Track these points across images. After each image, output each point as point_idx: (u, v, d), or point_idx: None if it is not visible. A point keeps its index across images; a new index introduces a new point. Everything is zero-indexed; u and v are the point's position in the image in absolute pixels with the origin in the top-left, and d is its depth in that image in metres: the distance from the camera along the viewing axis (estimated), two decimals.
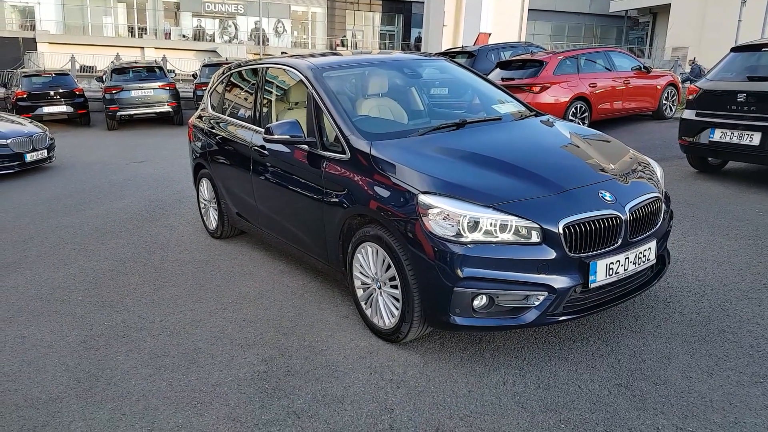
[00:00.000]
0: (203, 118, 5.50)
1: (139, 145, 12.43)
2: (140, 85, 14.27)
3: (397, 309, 3.24)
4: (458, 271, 2.88)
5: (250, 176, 4.55)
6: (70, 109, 14.91)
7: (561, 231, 2.88)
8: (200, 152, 5.45)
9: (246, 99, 4.91)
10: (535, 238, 2.91)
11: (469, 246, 2.89)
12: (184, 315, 3.95)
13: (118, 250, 5.36)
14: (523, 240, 2.90)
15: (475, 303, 2.94)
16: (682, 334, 3.35)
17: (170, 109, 14.60)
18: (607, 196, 3.07)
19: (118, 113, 14.08)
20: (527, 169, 3.21)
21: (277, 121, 4.40)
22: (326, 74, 4.06)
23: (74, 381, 3.20)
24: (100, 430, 2.77)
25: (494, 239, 2.90)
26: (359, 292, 3.58)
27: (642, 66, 11.39)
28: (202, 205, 5.71)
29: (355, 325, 3.65)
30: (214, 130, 5.15)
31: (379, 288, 3.38)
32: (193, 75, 18.32)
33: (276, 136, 3.82)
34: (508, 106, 4.28)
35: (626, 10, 45.42)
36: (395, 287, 3.22)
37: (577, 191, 3.07)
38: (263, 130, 4.31)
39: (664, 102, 11.93)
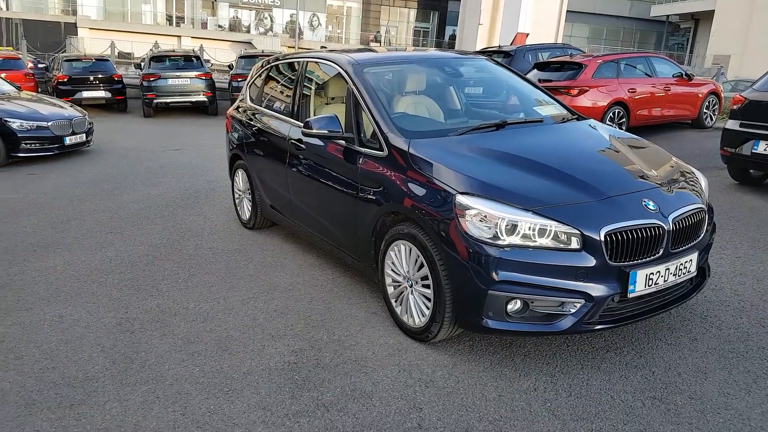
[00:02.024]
0: (241, 110, 5.55)
1: (175, 133, 12.61)
2: (177, 73, 14.46)
3: (428, 308, 3.24)
4: (493, 274, 2.86)
5: (285, 169, 4.58)
6: (108, 95, 15.19)
7: (602, 238, 2.84)
8: (237, 143, 5.50)
9: (284, 92, 4.95)
10: (574, 244, 2.87)
11: (505, 249, 2.87)
12: (217, 302, 4.00)
13: (154, 236, 5.44)
14: (562, 246, 2.87)
15: (509, 307, 2.92)
16: (719, 349, 3.28)
17: (205, 99, 14.77)
18: (651, 205, 3.02)
19: (155, 101, 14.29)
20: (568, 173, 3.17)
21: (314, 115, 4.43)
22: (367, 70, 4.06)
23: (109, 362, 3.27)
24: (134, 412, 2.82)
25: (532, 243, 2.87)
26: (390, 290, 3.58)
27: (684, 73, 11.17)
28: (236, 196, 5.77)
29: (383, 322, 3.66)
30: (251, 122, 5.20)
31: (411, 286, 3.38)
32: (229, 66, 18.53)
33: (314, 131, 3.84)
34: (550, 108, 4.24)
35: (667, 15, 44.56)
36: (427, 287, 3.22)
37: (620, 198, 3.03)
38: (301, 123, 4.35)
39: (705, 111, 11.68)
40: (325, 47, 29.60)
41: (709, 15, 38.15)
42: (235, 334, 3.56)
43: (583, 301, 2.89)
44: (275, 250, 5.03)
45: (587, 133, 3.90)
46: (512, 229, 2.88)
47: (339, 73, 4.21)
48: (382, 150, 3.56)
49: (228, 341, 3.48)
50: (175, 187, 7.48)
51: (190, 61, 15.15)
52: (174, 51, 15.73)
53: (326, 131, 3.82)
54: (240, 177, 5.58)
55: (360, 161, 3.69)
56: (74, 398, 2.95)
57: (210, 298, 4.09)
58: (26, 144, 9.03)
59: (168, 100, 14.39)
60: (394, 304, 3.55)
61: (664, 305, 3.17)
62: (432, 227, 3.10)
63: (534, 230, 2.87)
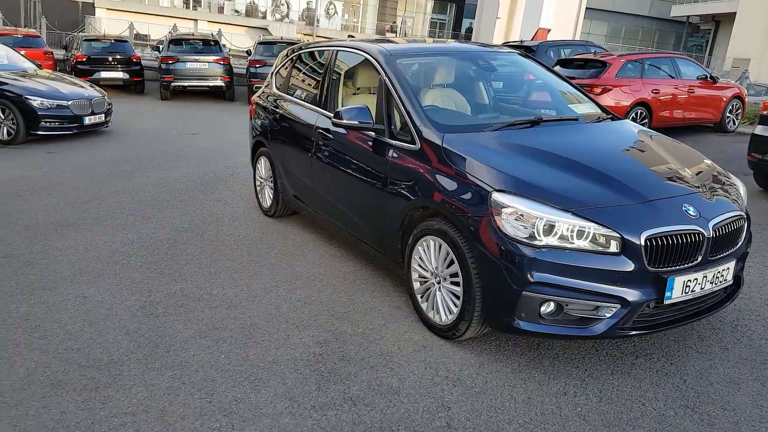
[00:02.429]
0: (266, 97, 5.51)
1: (192, 117, 12.59)
2: (196, 57, 14.43)
3: (456, 306, 3.20)
4: (528, 274, 2.82)
5: (310, 158, 4.54)
6: (126, 76, 15.18)
7: (643, 243, 2.79)
8: (261, 130, 5.46)
9: (312, 81, 4.90)
10: (613, 247, 2.82)
11: (542, 250, 2.82)
12: (240, 290, 3.98)
13: (175, 220, 5.42)
14: (600, 249, 2.82)
15: (543, 309, 2.87)
16: (751, 359, 3.22)
17: (223, 84, 14.74)
18: (691, 211, 2.96)
19: (173, 84, 14.27)
20: (607, 174, 3.12)
21: (342, 104, 4.39)
22: (399, 61, 4.01)
23: (134, 345, 3.25)
24: (160, 398, 2.80)
25: (569, 245, 2.82)
26: (416, 285, 3.54)
27: (709, 75, 11.03)
28: (257, 183, 5.74)
29: (407, 317, 3.62)
30: (276, 110, 5.16)
31: (438, 283, 3.34)
32: (246, 51, 18.47)
33: (344, 121, 3.79)
34: (584, 107, 4.17)
35: (688, 16, 44.04)
36: (456, 284, 3.18)
37: (661, 202, 2.97)
38: (328, 113, 4.32)
39: (728, 115, 11.55)
40: (352, 36, 29.17)
41: (730, 17, 37.68)
42: (259, 323, 3.53)
43: (618, 306, 2.84)
44: (296, 239, 5.00)
45: (624, 134, 3.84)
46: (549, 229, 2.83)
47: (370, 63, 4.16)
48: (413, 143, 3.51)
49: (253, 329, 3.45)
50: (194, 171, 7.46)
51: (208, 45, 15.11)
52: (193, 34, 15.67)
53: (357, 122, 3.78)
54: (262, 164, 5.55)
55: (390, 154, 3.64)
56: (100, 381, 2.93)
57: (233, 284, 4.06)
58: (46, 122, 9.04)
59: (185, 84, 14.37)
60: (419, 299, 3.52)
61: (697, 313, 3.12)
62: (465, 224, 3.05)
63: (572, 232, 2.81)
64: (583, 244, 2.82)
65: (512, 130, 3.60)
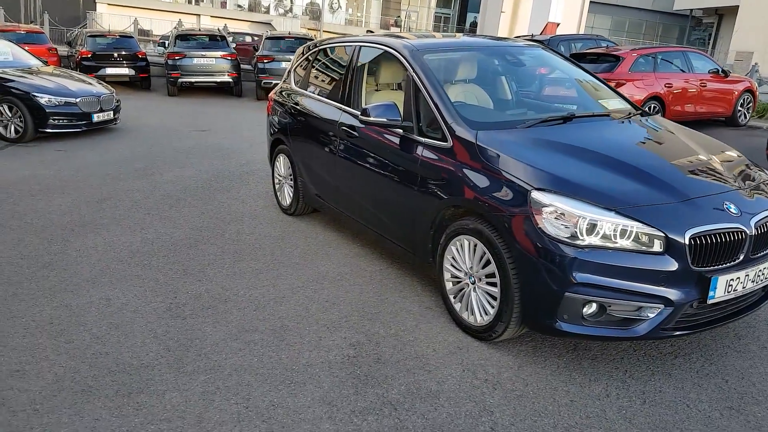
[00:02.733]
0: (285, 94, 5.44)
1: (200, 113, 12.51)
2: (203, 53, 14.34)
3: (492, 307, 3.14)
4: (571, 275, 2.75)
5: (334, 156, 4.47)
6: (132, 72, 15.09)
7: (687, 242, 2.72)
8: (279, 128, 5.40)
9: (334, 77, 4.83)
10: (657, 247, 2.75)
11: (585, 250, 2.76)
12: (266, 290, 3.92)
13: (193, 219, 5.36)
14: (643, 248, 2.76)
15: (585, 310, 2.81)
16: None
17: (231, 80, 14.65)
18: (732, 208, 2.89)
19: (180, 80, 14.19)
20: (647, 171, 3.05)
21: (366, 101, 4.33)
22: (426, 56, 3.93)
23: (164, 349, 3.19)
24: (195, 403, 2.75)
25: (612, 245, 2.76)
26: (448, 285, 3.48)
27: (720, 69, 10.94)
28: (276, 181, 5.67)
29: (439, 318, 3.57)
30: (297, 107, 5.08)
31: (473, 283, 3.27)
32: (253, 47, 18.38)
33: (372, 118, 3.73)
34: (614, 103, 4.10)
35: (691, 10, 43.78)
36: (493, 285, 3.11)
37: (702, 200, 2.90)
38: (353, 109, 4.26)
39: (739, 109, 11.47)
40: (371, 31, 28.87)
41: (733, 10, 37.44)
42: (289, 324, 3.48)
43: (662, 306, 2.78)
44: (318, 238, 4.94)
45: (657, 130, 3.77)
46: (591, 228, 2.77)
47: (395, 58, 4.09)
48: (444, 141, 3.44)
49: (283, 331, 3.40)
50: (208, 169, 7.40)
51: (215, 40, 15.01)
52: (200, 30, 15.57)
53: (385, 119, 3.71)
54: (281, 162, 5.48)
55: (420, 152, 3.57)
56: (132, 386, 2.87)
57: (259, 285, 4.00)
58: (54, 120, 8.96)
59: (193, 80, 14.28)
60: (453, 300, 3.46)
61: (737, 312, 3.06)
62: (502, 223, 2.98)
63: (616, 231, 2.75)
64: (626, 243, 2.76)
65: (545, 127, 3.53)
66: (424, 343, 3.27)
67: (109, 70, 14.73)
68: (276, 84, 14.04)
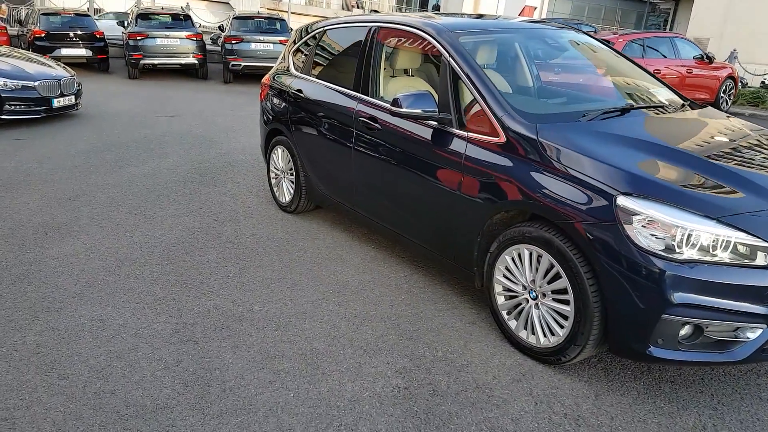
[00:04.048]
0: (283, 79, 4.90)
1: (165, 97, 11.74)
2: (167, 33, 13.46)
3: (562, 327, 2.75)
4: (670, 294, 2.39)
5: (348, 149, 4.00)
6: (89, 53, 14.10)
7: None
8: (278, 117, 4.87)
9: (346, 61, 4.33)
10: (760, 260, 2.41)
11: (684, 265, 2.39)
12: (284, 304, 3.45)
13: (182, 219, 4.81)
14: (745, 261, 2.41)
15: (681, 333, 2.45)
16: None
17: (196, 62, 13.83)
18: None
19: (142, 61, 13.29)
20: (737, 173, 2.70)
21: (385, 88, 3.88)
22: (462, 39, 3.49)
23: (180, 384, 2.70)
24: None
25: (710, 258, 2.40)
26: (500, 300, 3.08)
27: (705, 55, 10.82)
28: (273, 175, 5.15)
29: (488, 335, 3.17)
30: (301, 94, 4.57)
31: (534, 299, 2.88)
32: (219, 27, 17.49)
33: (404, 109, 3.28)
34: (663, 93, 3.75)
35: None
36: (563, 302, 2.73)
37: None
38: (372, 98, 3.81)
39: (722, 95, 11.41)
40: (377, 11, 27.34)
41: None
42: (320, 347, 3.02)
43: (764, 326, 2.44)
44: (327, 239, 4.47)
45: (723, 124, 3.43)
46: (688, 239, 2.40)
47: (422, 41, 3.64)
48: (494, 135, 3.02)
49: (315, 356, 2.94)
50: (186, 159, 6.80)
51: (179, 20, 14.13)
52: (162, 9, 14.63)
53: (419, 110, 3.26)
54: (279, 155, 4.97)
55: (463, 148, 3.15)
56: None
57: (274, 298, 3.53)
58: (10, 105, 8.17)
59: (156, 62, 13.41)
60: (506, 316, 3.06)
61: None
62: (579, 233, 2.59)
63: (715, 242, 2.39)
64: (726, 256, 2.41)
65: (608, 120, 3.15)
66: (481, 369, 2.87)
67: (65, 51, 13.71)
68: (245, 66, 13.52)
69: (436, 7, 39.89)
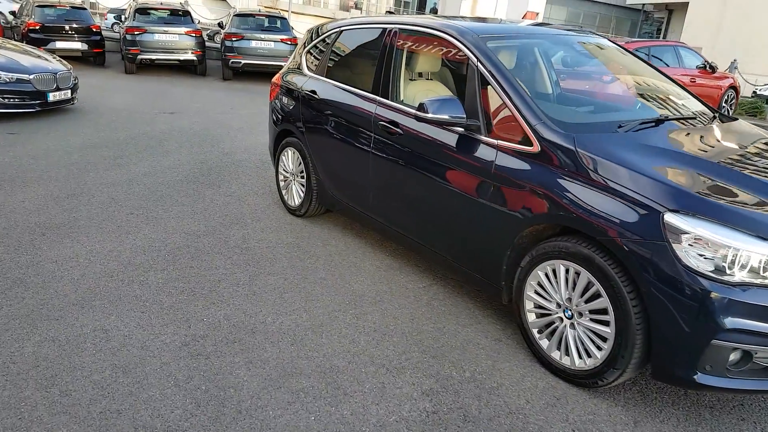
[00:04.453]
0: (296, 79, 4.72)
1: (164, 93, 11.51)
2: (165, 29, 13.21)
3: (600, 349, 2.60)
4: (722, 319, 2.24)
5: (367, 154, 3.84)
6: (85, 47, 13.81)
7: None
8: (289, 117, 4.70)
9: (364, 64, 4.16)
10: None
11: (736, 287, 2.24)
12: (299, 316, 3.27)
13: (186, 222, 4.62)
14: None
15: (730, 359, 2.31)
16: None
17: (194, 58, 13.59)
18: None
19: (139, 56, 13.03)
20: None
21: (405, 92, 3.73)
22: (489, 43, 3.33)
23: (193, 404, 2.52)
24: None
25: (758, 280, 2.26)
26: (530, 317, 2.92)
27: (707, 65, 10.75)
28: (281, 177, 4.97)
29: (516, 354, 3.01)
30: (315, 95, 4.39)
31: (570, 318, 2.73)
32: (218, 24, 17.26)
33: (430, 115, 3.12)
34: (692, 103, 3.61)
35: (642, 4, 44.54)
36: (602, 323, 2.58)
37: None
38: (392, 102, 3.65)
39: (723, 105, 11.34)
40: (391, 12, 26.71)
41: (683, 6, 38.12)
42: (340, 364, 2.85)
43: None
44: (339, 245, 4.30)
45: (759, 137, 3.29)
46: (737, 260, 2.25)
47: (447, 44, 3.49)
48: (528, 144, 2.87)
49: (335, 374, 2.77)
50: (188, 158, 6.60)
51: (178, 16, 13.89)
52: (162, 3, 14.36)
53: (446, 116, 3.11)
54: (289, 157, 4.79)
55: (493, 156, 2.99)
56: None
57: (287, 309, 3.35)
58: (4, 98, 7.93)
59: (154, 57, 13.16)
60: (537, 335, 2.90)
61: None
62: (622, 250, 2.44)
63: (766, 263, 2.25)
64: None
65: (645, 132, 3.00)
66: (513, 391, 2.71)
67: (60, 44, 13.42)
68: (245, 64, 13.31)
69: (434, 10, 39.79)
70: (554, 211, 2.69)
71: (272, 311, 3.32)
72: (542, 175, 2.76)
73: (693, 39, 35.87)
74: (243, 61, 13.29)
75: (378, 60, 3.89)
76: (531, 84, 3.42)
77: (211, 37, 16.85)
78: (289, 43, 13.60)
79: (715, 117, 3.50)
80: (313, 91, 4.42)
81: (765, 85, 15.73)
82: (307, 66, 4.68)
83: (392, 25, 3.90)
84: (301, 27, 14.39)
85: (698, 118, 3.39)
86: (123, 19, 14.37)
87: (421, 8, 42.89)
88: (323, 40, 4.59)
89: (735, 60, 14.50)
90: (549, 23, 4.19)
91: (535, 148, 2.83)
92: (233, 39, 13.16)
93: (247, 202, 5.16)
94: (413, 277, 3.84)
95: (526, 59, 3.61)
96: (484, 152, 3.04)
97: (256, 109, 10.46)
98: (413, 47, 3.84)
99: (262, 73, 14.70)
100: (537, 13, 16.62)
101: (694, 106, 3.60)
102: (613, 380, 2.58)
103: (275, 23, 14.14)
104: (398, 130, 3.57)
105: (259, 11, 15.15)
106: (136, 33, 12.95)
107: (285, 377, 2.73)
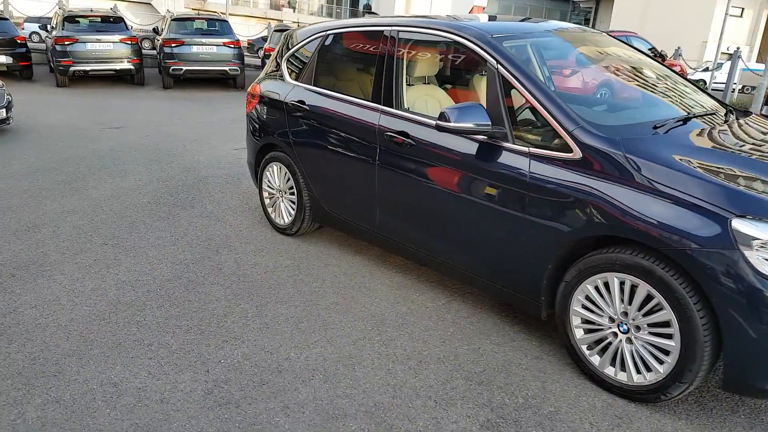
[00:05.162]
0: (278, 89, 4.44)
1: (103, 106, 10.86)
2: (98, 37, 12.48)
3: (662, 363, 2.50)
4: None
5: (372, 167, 3.62)
6: (10, 60, 12.88)
7: None
8: (273, 131, 4.41)
9: (361, 70, 3.94)
10: None
11: None
12: (323, 348, 3.03)
13: (168, 248, 4.27)
14: None
15: None
16: None
17: (132, 67, 12.91)
18: None
19: (72, 68, 12.26)
20: None
21: (409, 99, 3.55)
22: (506, 43, 3.18)
23: None
24: None
25: None
26: (578, 333, 2.79)
27: (658, 53, 11.04)
28: (266, 194, 4.68)
29: (562, 372, 2.88)
30: (304, 106, 4.13)
31: (626, 333, 2.61)
32: (153, 29, 16.50)
33: (453, 124, 2.94)
34: (704, 99, 3.58)
35: None
36: (664, 336, 2.47)
37: None
38: (399, 111, 3.48)
39: None
40: (373, 13, 25.40)
41: None
42: (383, 400, 2.64)
43: None
44: (341, 264, 4.06)
45: None
46: None
47: (459, 47, 3.32)
48: (566, 150, 2.73)
49: (382, 412, 2.55)
50: (148, 177, 6.17)
51: (110, 22, 13.15)
52: (92, 11, 13.54)
53: (471, 125, 2.93)
54: (275, 172, 4.50)
55: (526, 165, 2.84)
56: None
57: (308, 341, 3.10)
58: None
59: (87, 68, 12.41)
60: (586, 351, 2.77)
61: None
62: (687, 260, 2.33)
63: None
64: None
65: (678, 131, 2.92)
66: (573, 415, 2.57)
67: None
68: (187, 71, 12.74)
69: (367, 7, 39.68)
70: (604, 221, 2.56)
71: (292, 345, 3.06)
72: (587, 183, 2.63)
73: (621, 28, 37.30)
74: (184, 68, 12.74)
75: (377, 65, 3.68)
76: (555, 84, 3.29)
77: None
78: (233, 46, 13.12)
79: (730, 111, 3.47)
80: (301, 101, 4.15)
81: (693, 70, 16.44)
82: (290, 73, 4.41)
83: (391, 27, 3.69)
84: (233, 28, 13.84)
85: (717, 114, 3.34)
86: (49, 28, 13.47)
87: (354, 5, 42.67)
88: (308, 45, 4.32)
89: (679, 47, 15.04)
90: (529, 18, 4.06)
91: (575, 154, 2.69)
92: (173, 45, 12.58)
93: (229, 223, 4.84)
94: (429, 294, 3.66)
95: (542, 59, 3.48)
96: (514, 161, 2.89)
97: (204, 118, 10.03)
98: (417, 51, 3.65)
99: (203, 80, 14.18)
100: (483, 8, 16.72)
101: (707, 100, 3.57)
102: (678, 394, 2.48)
103: (215, 26, 13.63)
104: (409, 140, 3.37)
105: (198, 14, 14.56)
106: (66, 43, 12.19)
107: (329, 421, 2.49)
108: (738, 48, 13.21)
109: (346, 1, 43.36)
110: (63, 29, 12.48)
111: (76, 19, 12.89)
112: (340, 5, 43.11)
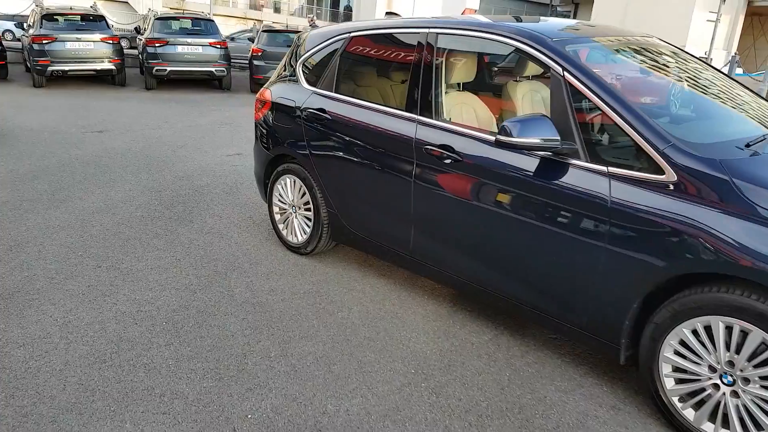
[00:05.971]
0: (294, 96, 4.00)
1: (84, 108, 10.27)
2: (78, 36, 11.85)
3: None
4: None
5: (408, 184, 3.22)
6: None
7: None
8: (287, 141, 3.98)
9: (393, 76, 3.53)
10: None
11: None
12: (363, 398, 2.61)
13: (170, 271, 3.81)
14: None
15: None
16: None
17: (113, 67, 12.32)
18: None
19: (50, 68, 11.63)
20: None
21: (447, 108, 3.17)
22: (569, 47, 2.80)
23: None
24: None
25: None
26: (668, 382, 2.41)
27: None
28: (277, 209, 4.24)
29: (646, 425, 2.51)
30: (324, 114, 3.70)
31: (731, 385, 2.23)
32: (135, 29, 15.87)
33: (517, 139, 2.56)
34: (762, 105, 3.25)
35: None
36: None
37: None
38: (439, 122, 3.10)
39: None
40: (395, 13, 22.24)
41: (588, 0, 39.80)
42: None
43: None
44: (366, 289, 3.65)
45: None
46: None
47: (515, 50, 2.95)
48: (658, 173, 2.35)
49: None
50: (139, 187, 5.68)
51: (91, 21, 12.53)
52: (71, 9, 12.89)
53: (538, 140, 2.55)
54: (288, 185, 4.07)
55: (605, 188, 2.46)
56: None
57: (344, 388, 2.68)
58: None
59: (66, 68, 11.78)
60: (678, 404, 2.39)
61: None
62: None
63: None
64: None
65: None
66: None
67: None
68: (171, 71, 12.19)
69: (348, 8, 39.26)
70: (713, 257, 2.18)
71: (327, 394, 2.63)
72: (687, 210, 2.25)
73: None
74: (169, 68, 12.20)
75: (412, 71, 3.27)
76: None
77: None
78: (219, 46, 12.61)
79: None
80: (321, 109, 3.73)
81: None
82: (307, 79, 3.98)
83: (430, 30, 3.28)
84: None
85: None
86: (26, 26, 12.80)
87: (334, 6, 42.23)
88: (329, 48, 3.89)
89: None
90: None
91: (669, 176, 2.32)
92: (156, 45, 12.03)
93: (234, 240, 4.39)
94: (472, 326, 3.26)
95: (610, 68, 3.10)
96: (589, 182, 2.50)
97: (191, 121, 9.53)
98: (462, 56, 3.25)
99: (187, 81, 13.65)
100: (475, 11, 16.43)
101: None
102: None
103: (200, 25, 13.10)
104: (454, 155, 2.97)
105: (183, 13, 14.01)
106: (44, 42, 11.58)
107: None
108: (736, 53, 13.11)
109: (327, 2, 42.88)
110: (41, 27, 11.84)
111: (55, 17, 12.26)
112: (320, 5, 42.61)
